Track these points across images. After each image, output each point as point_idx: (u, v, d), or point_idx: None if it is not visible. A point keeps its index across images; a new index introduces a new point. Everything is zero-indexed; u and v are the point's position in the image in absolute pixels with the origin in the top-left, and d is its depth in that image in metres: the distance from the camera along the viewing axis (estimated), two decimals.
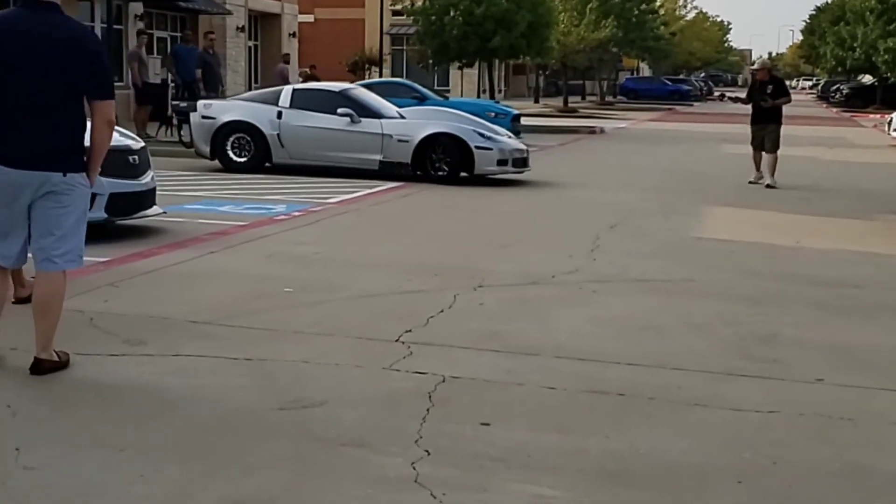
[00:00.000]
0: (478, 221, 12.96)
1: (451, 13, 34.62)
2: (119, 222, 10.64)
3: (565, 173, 19.91)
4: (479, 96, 44.35)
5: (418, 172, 16.93)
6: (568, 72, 54.89)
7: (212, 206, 13.29)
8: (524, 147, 17.89)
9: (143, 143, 10.97)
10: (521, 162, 17.49)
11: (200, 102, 18.02)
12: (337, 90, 17.93)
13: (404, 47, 58.89)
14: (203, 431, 5.21)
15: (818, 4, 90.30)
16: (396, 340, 7.00)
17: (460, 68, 41.88)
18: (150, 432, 5.17)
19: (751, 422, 5.64)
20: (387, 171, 17.02)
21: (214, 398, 5.71)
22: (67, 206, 5.95)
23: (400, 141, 16.98)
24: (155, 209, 10.92)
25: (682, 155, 25.98)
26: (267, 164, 17.57)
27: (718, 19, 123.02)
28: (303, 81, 32.60)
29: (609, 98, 69.05)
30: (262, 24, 41.32)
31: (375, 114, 17.37)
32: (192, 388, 5.91)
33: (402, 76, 57.19)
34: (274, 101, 17.63)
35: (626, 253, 10.91)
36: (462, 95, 52.43)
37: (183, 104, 18.40)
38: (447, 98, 29.17)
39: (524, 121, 32.15)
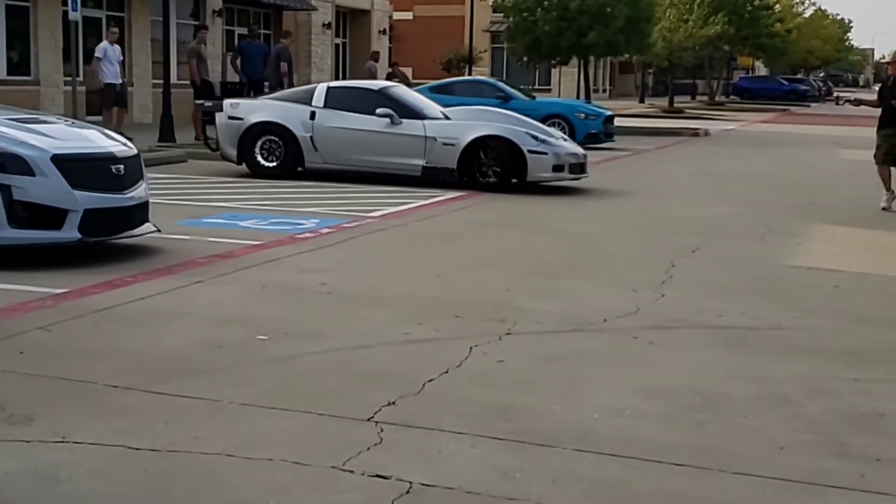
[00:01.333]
0: (530, 243, 11.11)
1: (544, 6, 32.73)
2: (112, 241, 9.11)
3: (652, 181, 17.95)
4: (578, 96, 42.37)
5: (464, 179, 15.22)
6: (675, 70, 52.42)
7: (234, 220, 11.70)
8: (581, 151, 16.03)
9: (134, 151, 9.40)
10: (579, 168, 15.64)
11: (227, 101, 16.42)
12: (376, 88, 16.23)
13: (504, 45, 56.98)
14: None
15: None
16: (369, 419, 5.28)
17: (554, 66, 39.97)
18: None
19: None
20: (430, 177, 15.32)
21: None
22: None
23: (445, 144, 15.23)
24: (145, 227, 9.35)
25: (791, 161, 23.75)
26: (299, 169, 15.94)
27: (838, 17, 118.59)
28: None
29: (721, 98, 66.31)
30: (350, 20, 39.91)
31: (418, 114, 15.65)
32: (50, 500, 4.24)
33: (501, 75, 55.43)
34: (307, 100, 15.99)
35: (704, 286, 9.00)
36: (560, 95, 50.59)
37: (208, 103, 16.78)
38: (534, 98, 27.27)
39: (621, 122, 30.21)
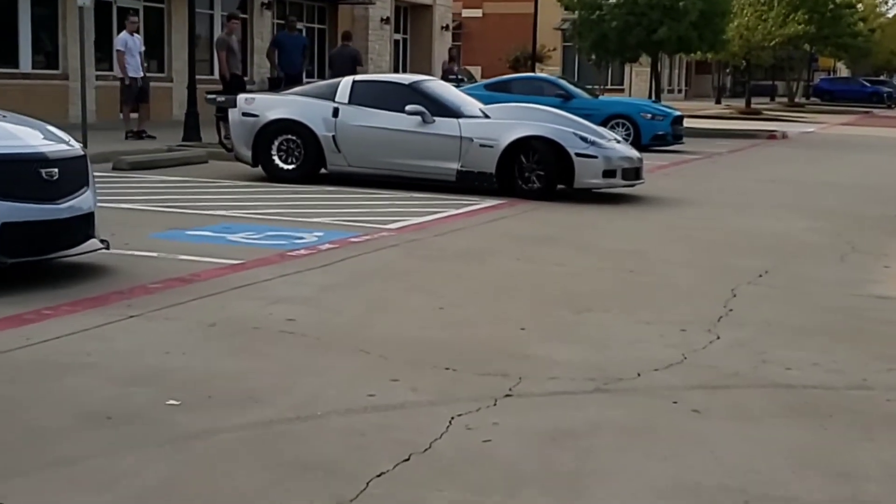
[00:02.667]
0: (565, 263, 9.33)
1: (612, 1, 30.89)
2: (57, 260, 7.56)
3: (719, 189, 16.07)
4: (650, 96, 40.41)
5: (504, 185, 13.54)
6: (753, 70, 50.11)
7: (224, 232, 10.11)
8: (637, 154, 14.20)
9: (78, 152, 7.79)
10: (633, 173, 13.85)
11: (241, 96, 14.80)
12: (406, 83, 14.52)
13: (576, 44, 55.21)
14: None
15: None
16: None
17: (623, 63, 38.07)
18: None
19: None
20: (466, 182, 13.65)
21: None
22: None
23: (482, 146, 13.52)
24: (88, 245, 7.76)
25: (874, 167, 21.70)
26: (322, 171, 14.33)
27: None
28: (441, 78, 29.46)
29: (801, 100, 63.72)
30: (411, 15, 38.32)
31: (453, 112, 13.95)
32: None
33: (572, 74, 53.71)
34: (330, 95, 14.33)
35: (770, 325, 7.23)
36: (631, 94, 48.64)
37: (221, 98, 15.23)
38: (598, 97, 25.42)
39: (693, 123, 28.34)
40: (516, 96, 23.71)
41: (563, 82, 25.55)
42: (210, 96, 15.03)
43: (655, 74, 34.74)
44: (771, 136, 30.55)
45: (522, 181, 13.41)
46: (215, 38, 20.85)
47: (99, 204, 8.19)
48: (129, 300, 7.09)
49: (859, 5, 64.35)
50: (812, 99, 69.32)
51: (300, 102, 14.36)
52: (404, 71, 37.73)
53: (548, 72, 43.89)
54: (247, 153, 14.44)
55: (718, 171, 19.35)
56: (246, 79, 27.66)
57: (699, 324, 7.12)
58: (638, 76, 49.97)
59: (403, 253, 9.44)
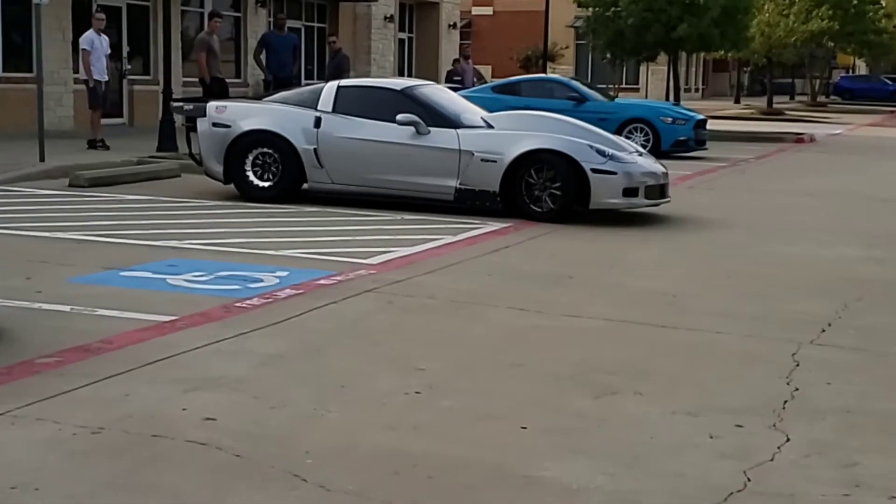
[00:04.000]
0: (581, 315, 7.51)
1: None
2: None
3: (753, 205, 14.25)
4: (667, 96, 38.55)
5: (510, 205, 11.83)
6: (774, 69, 48.17)
7: (167, 272, 8.34)
8: (662, 169, 12.38)
9: None
10: (658, 191, 12.08)
11: (211, 104, 12.99)
12: (398, 88, 12.71)
13: (590, 42, 53.45)
14: None
15: None
16: None
17: (640, 63, 36.22)
18: None
19: None
20: (465, 202, 11.92)
21: None
22: None
23: (484, 160, 11.76)
24: None
25: None
26: (305, 186, 12.58)
27: None
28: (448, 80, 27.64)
29: (820, 98, 61.67)
30: (417, 13, 36.52)
31: (451, 121, 12.18)
32: None
33: (586, 74, 51.93)
34: (312, 103, 12.58)
35: (852, 413, 5.49)
36: (647, 95, 46.78)
37: (188, 105, 13.44)
38: (614, 99, 23.57)
39: (714, 125, 26.49)
40: (525, 99, 22.04)
41: (576, 84, 23.72)
42: (176, 104, 13.24)
43: (674, 74, 32.87)
44: (798, 139, 28.67)
45: (531, 201, 11.64)
46: (196, 38, 18.95)
47: (31, 233, 6.44)
48: None
49: (883, 0, 62.32)
50: (832, 98, 67.30)
51: (278, 111, 12.60)
52: (410, 72, 35.92)
53: (560, 71, 42.13)
54: (217, 169, 12.68)
55: (748, 183, 17.52)
56: (239, 81, 25.99)
57: (758, 414, 5.35)
58: (654, 75, 48.09)
59: (381, 302, 7.65)
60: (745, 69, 61.23)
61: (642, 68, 48.60)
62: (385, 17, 32.67)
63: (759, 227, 12.25)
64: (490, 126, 12.23)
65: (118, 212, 11.65)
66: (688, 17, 29.25)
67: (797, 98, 61.53)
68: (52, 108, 20.71)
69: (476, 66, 36.61)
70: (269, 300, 7.48)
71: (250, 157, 12.48)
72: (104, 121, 17.80)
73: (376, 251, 9.54)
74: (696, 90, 61.41)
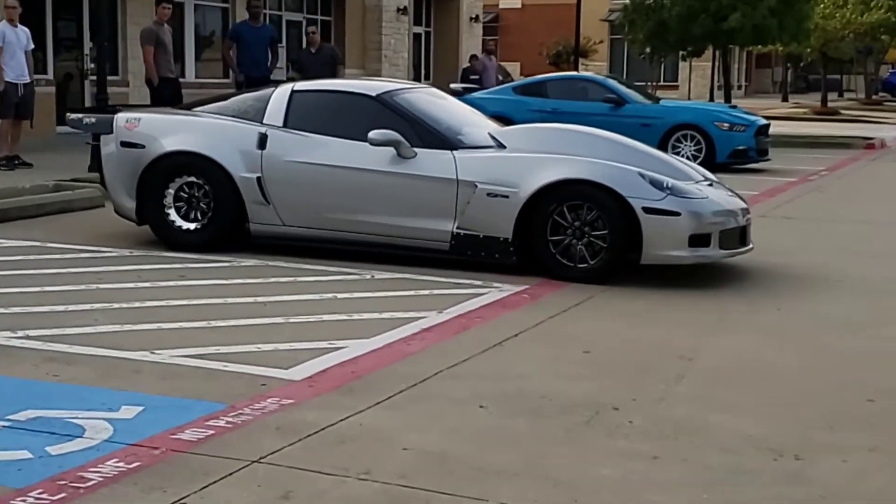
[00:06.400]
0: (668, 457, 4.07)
1: None
2: None
3: (856, 245, 10.64)
4: (711, 96, 35.01)
5: (527, 255, 8.38)
6: (821, 64, 44.34)
7: (16, 405, 4.94)
8: (741, 204, 8.79)
9: None
10: (737, 236, 8.56)
11: (120, 116, 9.44)
12: (372, 94, 9.14)
13: (625, 36, 50.08)
14: None
15: None
16: None
17: (685, 58, 32.63)
18: None
19: None
20: (466, 252, 8.49)
21: None
22: None
23: (492, 195, 8.31)
24: None
25: None
26: (247, 226, 9.08)
27: None
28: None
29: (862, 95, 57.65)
30: (435, 5, 33.05)
31: (445, 139, 8.72)
32: None
33: (621, 71, 48.39)
34: (255, 114, 9.15)
35: None
36: (690, 95, 43.12)
37: (90, 118, 9.73)
38: (659, 101, 20.00)
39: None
40: (553, 101, 18.84)
41: (613, 82, 20.15)
42: (73, 115, 9.76)
43: (725, 71, 29.30)
44: (868, 144, 24.99)
45: (557, 252, 8.17)
46: (142, 30, 15.48)
47: None
48: None
49: None
50: (881, 94, 63.31)
51: (209, 126, 9.16)
52: (426, 71, 32.49)
53: (593, 68, 38.71)
54: (128, 204, 9.27)
55: (832, 207, 13.95)
56: (227, 81, 22.52)
57: None
58: (695, 71, 44.45)
59: (270, 494, 4.18)
60: (797, 65, 57.36)
61: (682, 64, 44.96)
62: (398, 9, 29.25)
63: (878, 283, 8.74)
64: (501, 145, 8.75)
65: None
66: (741, 6, 25.77)
67: (846, 95, 57.61)
68: None
69: (502, 63, 33.22)
70: (63, 497, 4.04)
71: (172, 189, 9.06)
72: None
73: (311, 349, 6.13)
74: (739, 87, 57.62)
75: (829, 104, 42.30)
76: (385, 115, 8.75)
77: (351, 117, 8.90)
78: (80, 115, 9.67)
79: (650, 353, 6.40)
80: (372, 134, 8.50)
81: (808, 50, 39.06)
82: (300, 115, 8.99)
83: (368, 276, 8.26)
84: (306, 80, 10.83)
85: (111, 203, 9.59)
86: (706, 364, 6.21)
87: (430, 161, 8.51)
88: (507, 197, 8.25)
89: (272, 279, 8.10)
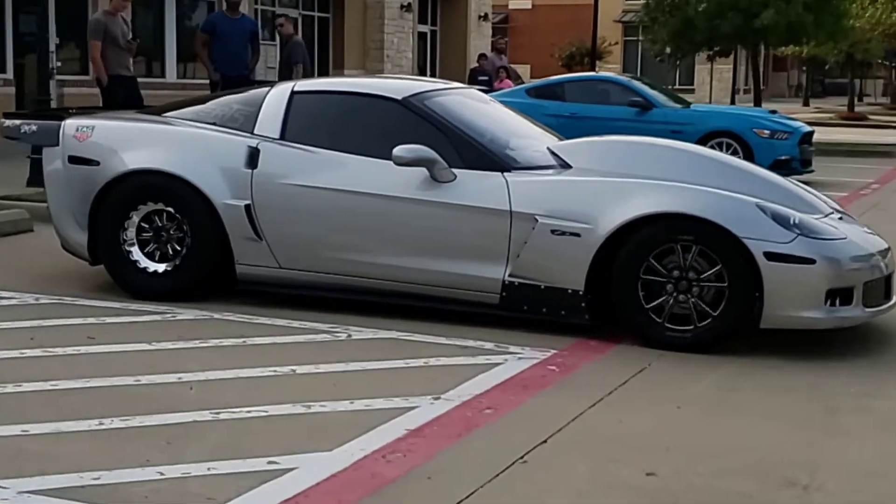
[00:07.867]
0: None
1: None
2: None
3: None
4: (732, 100, 33.14)
5: (604, 312, 6.35)
6: (855, 66, 42.55)
7: None
8: (882, 244, 6.58)
9: None
10: (881, 288, 6.37)
11: (70, 123, 7.32)
12: (399, 97, 6.99)
13: (639, 38, 48.27)
14: None
15: None
16: None
17: (711, 58, 30.76)
18: None
19: None
20: (519, 308, 6.41)
21: None
22: None
23: (558, 232, 6.24)
24: None
25: None
26: (240, 266, 6.97)
27: None
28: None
29: (881, 99, 55.98)
30: (441, 3, 31.33)
31: (494, 157, 6.63)
32: None
33: (634, 73, 46.61)
34: (245, 122, 7.08)
35: None
36: (710, 99, 41.20)
37: (30, 125, 7.45)
38: (689, 105, 18.00)
39: None
40: (571, 105, 16.91)
41: (638, 84, 18.13)
42: (9, 121, 7.65)
43: (754, 72, 27.41)
44: None
45: (650, 310, 6.09)
46: (90, 20, 13.22)
47: None
48: None
49: None
50: None
51: (184, 137, 7.09)
52: (433, 73, 30.57)
53: (607, 70, 36.91)
54: (78, 237, 7.21)
55: None
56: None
57: None
58: (713, 73, 42.79)
59: None
60: (804, 67, 55.52)
61: (698, 67, 43.25)
62: (402, 7, 27.55)
63: None
64: (565, 164, 6.70)
65: None
66: (774, 3, 23.84)
67: (865, 100, 55.91)
68: None
69: (512, 65, 31.43)
70: None
71: (134, 219, 6.99)
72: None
73: (239, 473, 4.15)
74: (748, 91, 55.95)
75: (862, 110, 40.51)
76: (414, 125, 6.68)
77: (369, 127, 6.88)
78: (17, 122, 7.54)
79: (745, 475, 4.33)
80: (397, 150, 6.41)
81: (835, 51, 37.26)
82: (302, 124, 6.93)
83: (343, 336, 6.21)
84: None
85: (59, 238, 7.47)
86: (832, 496, 4.18)
87: (474, 186, 6.44)
88: (578, 235, 6.18)
89: (212, 342, 6.01)
